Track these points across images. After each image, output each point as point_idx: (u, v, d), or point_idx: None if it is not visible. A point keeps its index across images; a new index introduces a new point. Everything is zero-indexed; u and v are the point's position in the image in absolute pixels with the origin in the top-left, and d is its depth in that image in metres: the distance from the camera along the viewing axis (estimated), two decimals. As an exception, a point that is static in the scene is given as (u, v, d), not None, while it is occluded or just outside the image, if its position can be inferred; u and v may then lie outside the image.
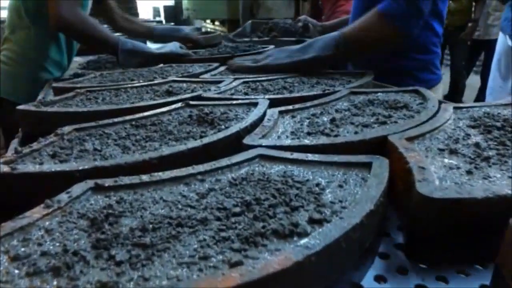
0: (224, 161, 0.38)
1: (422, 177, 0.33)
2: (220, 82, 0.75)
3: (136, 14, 3.72)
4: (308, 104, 0.58)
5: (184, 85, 0.78)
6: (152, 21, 2.30)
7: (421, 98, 0.61)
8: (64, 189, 0.36)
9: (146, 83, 0.79)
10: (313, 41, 0.83)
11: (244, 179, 0.35)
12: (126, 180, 0.35)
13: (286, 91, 0.69)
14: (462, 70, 3.34)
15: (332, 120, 0.51)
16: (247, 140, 0.43)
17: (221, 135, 0.46)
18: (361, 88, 0.69)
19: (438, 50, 0.97)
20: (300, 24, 1.54)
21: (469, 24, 3.15)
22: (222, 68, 0.92)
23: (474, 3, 3.14)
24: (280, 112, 0.55)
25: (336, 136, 0.45)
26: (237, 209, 0.30)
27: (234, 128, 0.48)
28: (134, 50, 1.06)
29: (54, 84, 0.81)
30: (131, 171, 0.40)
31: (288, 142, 0.44)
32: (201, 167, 0.37)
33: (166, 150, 0.43)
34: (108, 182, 0.34)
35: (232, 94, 0.67)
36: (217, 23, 3.85)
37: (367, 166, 0.37)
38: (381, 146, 0.44)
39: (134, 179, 0.35)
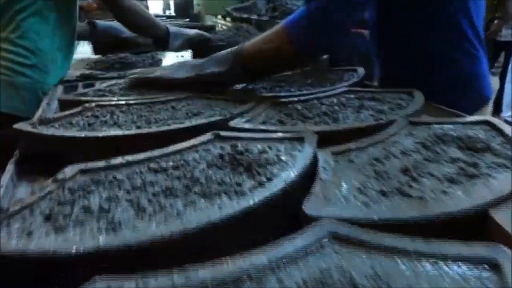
0: (286, 248, 0.27)
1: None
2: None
3: (146, 8, 3.59)
4: (364, 142, 0.47)
5: (205, 102, 0.68)
6: (162, 16, 2.18)
7: (498, 133, 0.50)
8: (54, 274, 0.26)
9: (163, 99, 0.69)
10: (216, 54, 0.72)
11: (321, 284, 0.25)
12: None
13: (328, 118, 0.58)
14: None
15: (405, 171, 0.40)
16: (310, 210, 0.32)
17: (264, 194, 0.35)
18: (417, 114, 0.59)
19: (478, 54, 0.79)
20: None
21: (495, 22, 3.02)
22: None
23: (495, 2, 3.02)
24: (334, 154, 0.44)
25: (424, 201, 0.34)
26: None
27: (279, 181, 0.37)
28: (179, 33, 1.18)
29: (61, 97, 0.71)
30: (144, 253, 0.30)
31: (369, 214, 0.32)
32: (257, 259, 0.26)
33: (193, 221, 0.32)
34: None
35: (264, 122, 0.56)
36: (228, 19, 3.70)
37: (491, 264, 0.26)
38: (482, 219, 0.33)
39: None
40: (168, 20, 2.06)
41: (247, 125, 0.53)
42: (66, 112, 0.61)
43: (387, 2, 0.76)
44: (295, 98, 0.66)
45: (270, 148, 0.46)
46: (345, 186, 0.37)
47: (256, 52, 0.67)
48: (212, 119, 0.57)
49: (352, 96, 0.70)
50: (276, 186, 0.36)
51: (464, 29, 0.76)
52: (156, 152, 0.45)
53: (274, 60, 0.67)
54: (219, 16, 4.08)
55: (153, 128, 0.53)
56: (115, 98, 0.70)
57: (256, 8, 1.62)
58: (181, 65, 0.77)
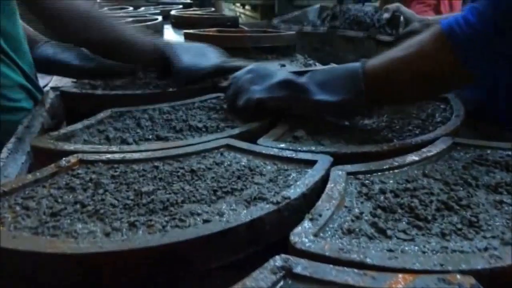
0: None
1: None
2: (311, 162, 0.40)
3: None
4: None
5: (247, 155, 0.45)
6: (178, 3, 1.94)
7: None
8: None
9: (174, 152, 0.46)
10: (328, 71, 0.53)
11: None
12: None
13: (459, 220, 0.33)
14: None
15: None
16: None
17: None
18: None
19: None
20: (387, 15, 1.13)
21: None
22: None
23: None
24: None
25: None
26: None
27: None
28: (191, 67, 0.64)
29: (34, 143, 0.48)
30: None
31: None
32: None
33: None
34: None
35: (351, 232, 0.32)
36: (247, 7, 3.41)
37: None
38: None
39: None
40: (187, 8, 1.81)
41: (333, 255, 0.29)
42: (28, 179, 0.39)
43: None
44: (382, 166, 0.42)
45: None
46: None
47: (393, 64, 0.48)
48: (256, 212, 0.34)
49: (467, 156, 0.45)
50: None
51: None
52: None
53: (422, 78, 0.47)
54: (238, 4, 3.74)
55: (155, 239, 0.30)
56: (113, 148, 0.47)
57: (308, 19, 1.36)
58: (263, 72, 0.56)
